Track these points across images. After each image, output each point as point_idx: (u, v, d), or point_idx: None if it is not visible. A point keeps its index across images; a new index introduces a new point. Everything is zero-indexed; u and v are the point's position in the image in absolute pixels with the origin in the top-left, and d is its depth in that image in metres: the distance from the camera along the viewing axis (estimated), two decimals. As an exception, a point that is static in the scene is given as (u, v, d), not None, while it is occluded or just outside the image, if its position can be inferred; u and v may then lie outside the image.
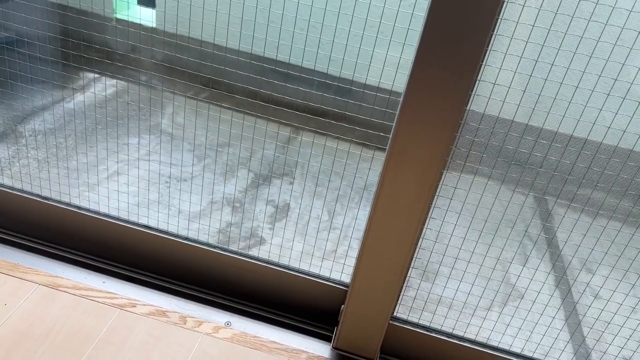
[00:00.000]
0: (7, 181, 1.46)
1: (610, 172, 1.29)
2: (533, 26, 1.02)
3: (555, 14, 1.01)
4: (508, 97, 1.12)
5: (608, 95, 1.11)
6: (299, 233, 1.78)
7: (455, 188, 1.24)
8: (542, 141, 1.32)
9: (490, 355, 1.28)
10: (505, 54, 1.05)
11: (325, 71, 1.43)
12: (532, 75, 1.11)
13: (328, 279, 1.33)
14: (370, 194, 1.81)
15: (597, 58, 1.10)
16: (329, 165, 1.90)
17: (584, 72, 1.11)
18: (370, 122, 1.33)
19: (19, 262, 1.35)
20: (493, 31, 0.89)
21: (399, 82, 1.11)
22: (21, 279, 1.30)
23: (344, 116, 1.41)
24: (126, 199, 1.68)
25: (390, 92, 1.24)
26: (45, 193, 1.42)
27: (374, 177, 1.31)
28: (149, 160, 2.01)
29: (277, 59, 1.88)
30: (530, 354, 1.30)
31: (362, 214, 1.92)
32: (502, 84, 1.09)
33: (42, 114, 2.10)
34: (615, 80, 1.09)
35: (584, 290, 1.77)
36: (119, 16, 2.44)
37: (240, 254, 1.36)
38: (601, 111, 1.14)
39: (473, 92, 0.96)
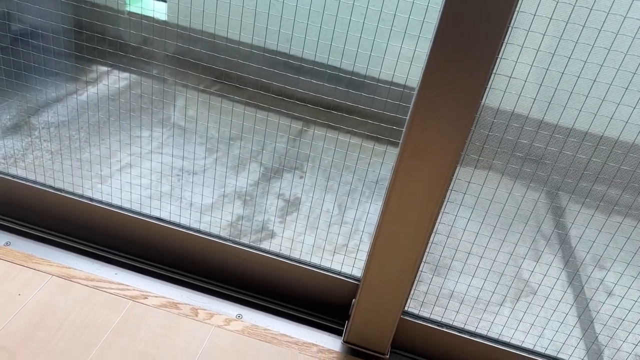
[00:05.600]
0: (20, 172, 1.46)
1: (627, 168, 1.28)
2: (550, 19, 1.00)
3: (573, 6, 1.00)
4: (524, 91, 1.11)
5: (626, 89, 1.10)
6: (310, 227, 1.78)
7: (469, 183, 1.23)
8: (557, 136, 1.31)
9: (502, 351, 1.27)
10: (522, 46, 1.03)
11: (338, 64, 1.42)
12: (549, 68, 1.09)
13: (339, 273, 1.33)
14: (382, 188, 1.80)
15: (616, 51, 1.09)
16: (340, 159, 1.89)
17: (601, 66, 1.09)
18: (383, 116, 1.32)
19: (32, 252, 1.36)
20: (510, 24, 0.88)
21: (412, 75, 1.10)
22: (35, 269, 1.31)
23: (356, 109, 1.40)
24: (138, 191, 1.68)
25: (404, 86, 1.23)
26: (59, 185, 1.43)
27: (385, 171, 1.31)
28: (161, 153, 2.01)
29: (290, 52, 1.87)
30: (542, 350, 1.29)
31: (374, 208, 1.92)
32: (518, 77, 1.07)
33: (55, 106, 2.11)
34: (634, 74, 1.08)
35: (598, 287, 1.75)
36: (131, 9, 2.44)
37: (252, 247, 1.36)
38: (619, 105, 1.12)
39: (488, 86, 0.95)
